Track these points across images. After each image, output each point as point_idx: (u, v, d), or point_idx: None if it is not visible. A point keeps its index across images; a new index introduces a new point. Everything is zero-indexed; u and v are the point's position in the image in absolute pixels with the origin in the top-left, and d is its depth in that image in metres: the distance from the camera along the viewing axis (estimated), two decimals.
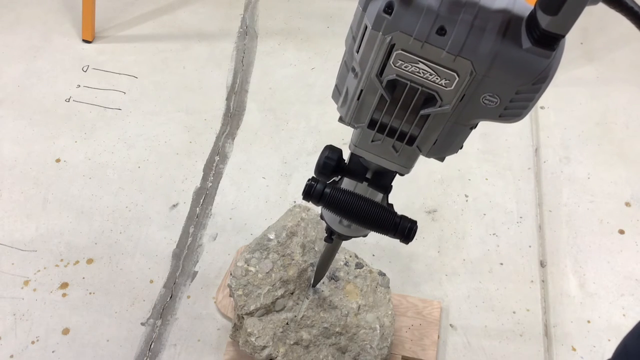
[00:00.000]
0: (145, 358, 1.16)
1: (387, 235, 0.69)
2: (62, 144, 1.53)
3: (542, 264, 1.33)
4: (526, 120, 1.61)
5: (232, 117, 1.62)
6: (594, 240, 1.37)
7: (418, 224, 0.70)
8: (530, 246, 1.35)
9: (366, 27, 0.52)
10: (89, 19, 1.78)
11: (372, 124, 0.61)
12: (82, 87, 1.68)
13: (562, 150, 1.54)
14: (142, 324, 1.21)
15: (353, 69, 0.58)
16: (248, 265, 1.08)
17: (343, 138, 1.52)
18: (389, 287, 1.15)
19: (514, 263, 1.33)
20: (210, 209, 1.41)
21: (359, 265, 1.15)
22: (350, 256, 1.16)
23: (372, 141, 0.63)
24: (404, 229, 0.69)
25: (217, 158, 1.52)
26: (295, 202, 1.41)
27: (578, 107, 1.66)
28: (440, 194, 1.44)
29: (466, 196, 1.44)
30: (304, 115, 1.62)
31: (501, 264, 1.32)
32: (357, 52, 0.55)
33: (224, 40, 1.84)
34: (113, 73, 1.72)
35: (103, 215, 1.38)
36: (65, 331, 1.19)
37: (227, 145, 1.55)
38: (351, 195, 0.69)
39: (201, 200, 1.42)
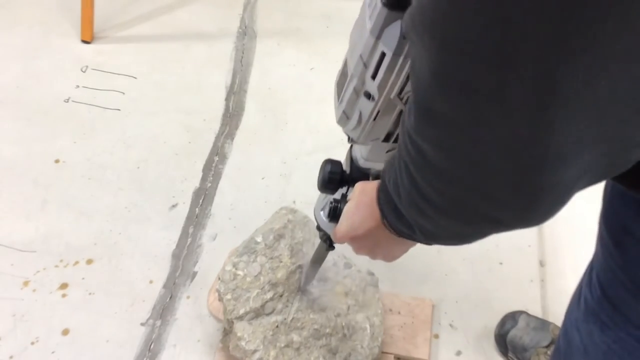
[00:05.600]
0: (144, 358, 1.16)
1: None
2: (61, 144, 1.52)
3: (542, 264, 1.33)
4: None
5: (231, 117, 1.62)
6: (593, 240, 1.37)
7: None
8: (529, 245, 1.35)
9: (383, 54, 0.54)
10: (88, 20, 1.78)
11: (387, 137, 0.64)
12: (81, 87, 1.68)
13: None
14: (142, 324, 1.20)
15: (368, 94, 0.59)
16: (236, 269, 1.07)
17: (342, 138, 1.52)
18: (377, 287, 1.15)
19: (514, 262, 1.33)
20: (210, 209, 1.41)
21: (348, 266, 1.15)
22: (339, 256, 1.15)
23: (388, 152, 0.66)
24: None
25: (216, 158, 1.52)
26: (294, 202, 1.41)
27: None
28: None
29: None
30: (303, 115, 1.62)
31: (501, 263, 1.32)
32: (374, 78, 0.56)
33: (223, 40, 1.84)
34: (112, 73, 1.72)
35: (102, 216, 1.37)
36: (65, 332, 1.18)
37: (227, 146, 1.55)
38: None
39: (200, 201, 1.42)
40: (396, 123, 0.61)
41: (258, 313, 1.04)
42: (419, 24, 0.37)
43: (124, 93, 1.67)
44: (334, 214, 0.70)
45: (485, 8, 0.32)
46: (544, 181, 0.39)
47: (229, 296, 1.05)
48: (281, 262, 1.08)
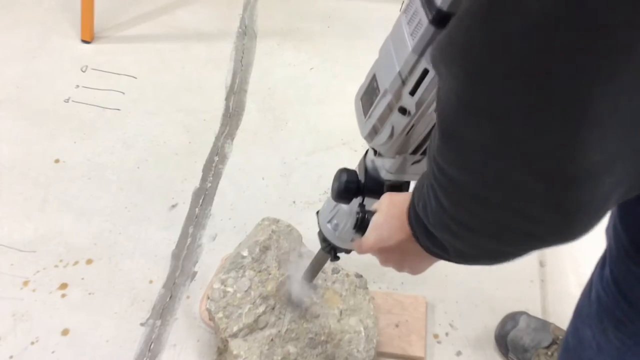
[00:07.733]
0: (144, 358, 1.16)
1: None
2: (61, 144, 1.52)
3: (542, 264, 1.33)
4: None
5: (232, 117, 1.62)
6: (593, 240, 1.37)
7: None
8: None
9: (426, 71, 0.55)
10: (88, 20, 1.78)
11: (415, 150, 0.65)
12: (81, 87, 1.68)
13: None
14: (142, 324, 1.20)
15: (403, 110, 0.60)
16: (225, 286, 1.06)
17: (342, 138, 1.52)
18: (367, 288, 1.15)
19: (514, 263, 1.32)
20: (210, 210, 1.41)
21: (336, 270, 1.14)
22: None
23: (413, 164, 0.66)
24: None
25: (216, 158, 1.52)
26: (294, 202, 1.41)
27: None
28: None
29: None
30: (303, 115, 1.62)
31: None
32: (412, 94, 0.58)
33: (223, 40, 1.84)
34: (112, 73, 1.72)
35: (102, 216, 1.37)
36: (65, 332, 1.18)
37: (227, 146, 1.55)
38: None
39: (200, 201, 1.42)
40: (427, 136, 0.62)
41: (252, 328, 1.03)
42: (448, 56, 0.38)
43: (124, 93, 1.67)
44: (361, 225, 0.69)
45: (515, 41, 0.33)
46: (577, 198, 0.39)
47: (220, 314, 1.03)
48: (270, 274, 1.07)
